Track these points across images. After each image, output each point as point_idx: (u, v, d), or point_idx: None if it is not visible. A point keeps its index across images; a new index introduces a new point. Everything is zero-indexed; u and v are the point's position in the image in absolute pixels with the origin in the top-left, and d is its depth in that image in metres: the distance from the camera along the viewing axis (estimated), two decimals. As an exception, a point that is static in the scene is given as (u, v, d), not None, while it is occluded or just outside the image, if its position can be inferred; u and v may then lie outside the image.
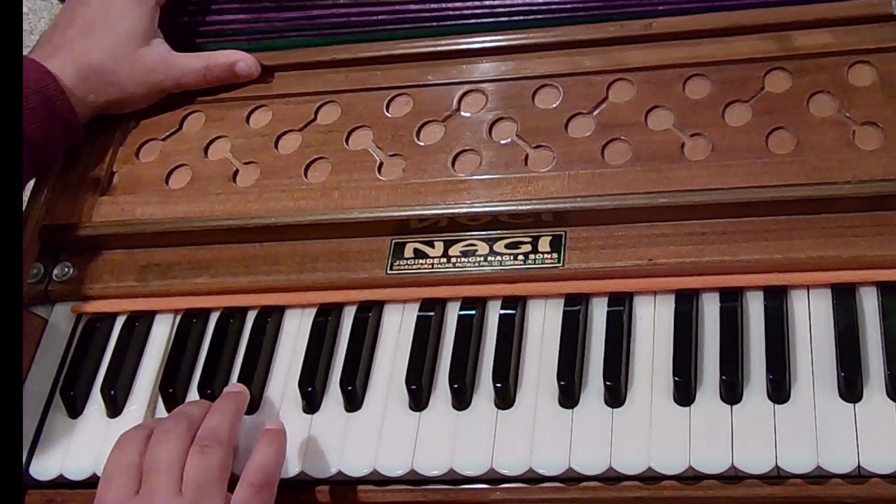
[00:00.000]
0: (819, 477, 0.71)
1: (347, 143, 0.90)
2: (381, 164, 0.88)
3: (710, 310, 0.78)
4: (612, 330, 0.78)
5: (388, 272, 0.84)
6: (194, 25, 1.00)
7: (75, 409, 0.85)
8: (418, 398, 0.79)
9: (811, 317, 0.76)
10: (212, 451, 0.74)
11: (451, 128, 0.89)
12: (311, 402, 0.81)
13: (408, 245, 0.85)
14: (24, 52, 0.91)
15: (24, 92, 0.85)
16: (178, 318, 0.88)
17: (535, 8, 0.92)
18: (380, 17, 0.95)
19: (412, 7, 0.94)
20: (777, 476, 0.72)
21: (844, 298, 0.76)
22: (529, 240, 0.82)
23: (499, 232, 0.84)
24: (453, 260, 0.83)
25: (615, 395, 0.76)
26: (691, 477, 0.73)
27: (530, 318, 0.81)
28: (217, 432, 0.75)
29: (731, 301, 0.78)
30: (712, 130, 0.82)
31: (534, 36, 0.91)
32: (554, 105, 0.88)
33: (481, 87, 0.90)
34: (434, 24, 0.94)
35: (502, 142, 0.87)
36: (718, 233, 0.79)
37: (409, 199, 0.85)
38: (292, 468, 0.78)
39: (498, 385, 0.78)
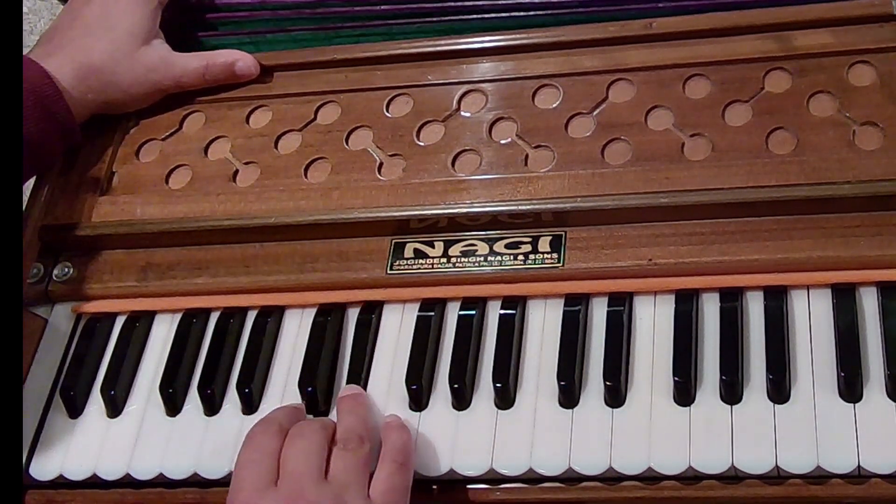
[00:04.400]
0: (819, 477, 0.71)
1: (347, 143, 0.90)
2: (381, 164, 0.88)
3: (710, 310, 0.78)
4: (612, 330, 0.78)
5: (389, 272, 0.84)
6: (196, 17, 1.00)
7: (75, 409, 0.85)
8: (418, 398, 0.79)
9: (811, 317, 0.76)
10: (355, 449, 0.74)
11: (451, 128, 0.89)
12: (312, 403, 0.81)
13: (408, 245, 0.85)
14: (24, 52, 0.90)
15: (20, 92, 0.85)
16: (178, 318, 0.88)
17: (534, 8, 0.92)
18: (382, 7, 0.96)
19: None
20: (777, 476, 0.72)
21: (844, 298, 0.76)
22: (529, 240, 0.83)
23: (499, 232, 0.84)
24: (453, 260, 0.83)
25: (615, 395, 0.76)
26: (691, 477, 0.73)
27: (530, 318, 0.81)
28: (356, 430, 0.76)
29: (731, 301, 0.78)
30: (712, 130, 0.82)
31: (534, 36, 0.91)
32: (554, 105, 0.88)
33: (481, 87, 0.90)
34: (436, 17, 0.94)
35: (502, 142, 0.87)
36: (718, 233, 0.79)
37: (409, 199, 0.85)
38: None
39: (498, 385, 0.78)
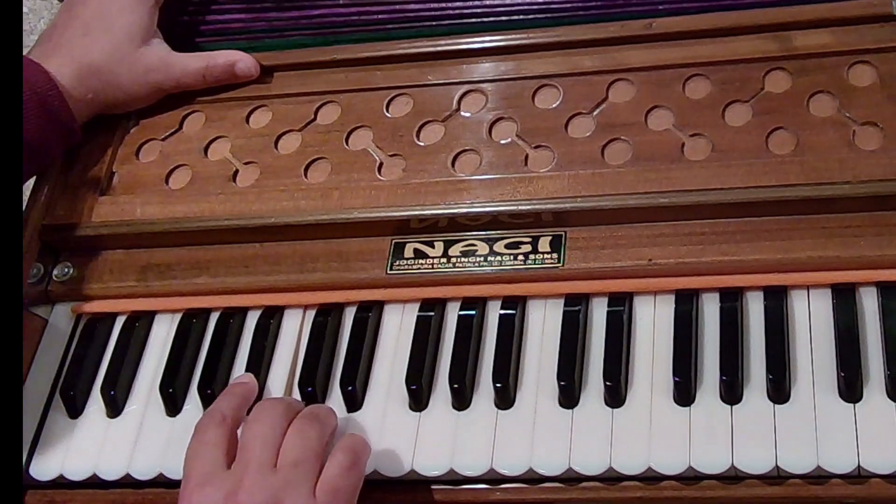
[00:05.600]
0: (819, 477, 0.71)
1: (347, 143, 0.90)
2: (381, 164, 0.88)
3: (710, 310, 0.78)
4: (612, 330, 0.78)
5: (388, 272, 0.84)
6: (194, 25, 1.00)
7: (75, 409, 0.85)
8: (418, 398, 0.79)
9: (811, 317, 0.76)
10: (311, 431, 0.74)
11: (451, 128, 0.89)
12: (312, 403, 0.81)
13: (408, 245, 0.85)
14: (24, 52, 0.90)
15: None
16: (178, 318, 0.88)
17: (535, 8, 0.92)
18: (380, 16, 0.95)
19: (412, 6, 0.94)
20: (777, 476, 0.72)
21: (844, 298, 0.76)
22: (529, 240, 0.83)
23: (499, 232, 0.84)
24: (453, 260, 0.83)
25: (615, 395, 0.76)
26: (691, 477, 0.73)
27: (530, 318, 0.81)
28: (319, 415, 0.76)
29: (731, 301, 0.78)
30: (712, 130, 0.82)
31: (534, 36, 0.91)
32: (554, 105, 0.88)
33: (481, 87, 0.90)
34: (434, 23, 0.94)
35: (502, 142, 0.87)
36: (718, 233, 0.79)
37: (409, 199, 0.85)
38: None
39: (498, 385, 0.78)
